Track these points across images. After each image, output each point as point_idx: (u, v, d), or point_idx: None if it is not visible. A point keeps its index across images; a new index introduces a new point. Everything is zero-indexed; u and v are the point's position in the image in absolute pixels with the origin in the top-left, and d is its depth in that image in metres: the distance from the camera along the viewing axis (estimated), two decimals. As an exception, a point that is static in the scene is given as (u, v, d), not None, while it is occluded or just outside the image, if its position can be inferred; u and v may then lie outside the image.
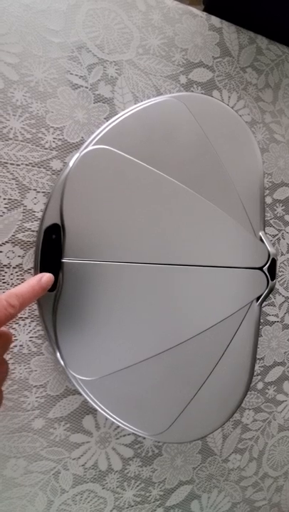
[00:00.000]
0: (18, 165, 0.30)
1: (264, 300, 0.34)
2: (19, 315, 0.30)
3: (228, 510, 0.40)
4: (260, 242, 0.34)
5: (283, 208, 0.42)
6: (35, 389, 0.31)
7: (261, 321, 0.41)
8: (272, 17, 0.41)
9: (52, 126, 0.31)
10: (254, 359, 0.35)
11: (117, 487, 0.35)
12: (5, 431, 0.30)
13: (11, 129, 0.30)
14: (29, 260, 0.31)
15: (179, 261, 0.30)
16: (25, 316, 0.30)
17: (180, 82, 0.37)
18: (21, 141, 0.30)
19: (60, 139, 0.32)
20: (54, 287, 0.29)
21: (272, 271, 0.33)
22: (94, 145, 0.29)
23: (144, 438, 0.35)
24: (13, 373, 0.30)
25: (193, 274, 0.31)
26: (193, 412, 0.32)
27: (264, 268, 0.33)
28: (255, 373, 0.40)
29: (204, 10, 0.42)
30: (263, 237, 0.34)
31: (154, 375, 0.30)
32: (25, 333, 0.30)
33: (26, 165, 0.31)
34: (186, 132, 0.31)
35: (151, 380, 0.30)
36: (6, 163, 0.30)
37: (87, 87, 0.33)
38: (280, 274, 0.42)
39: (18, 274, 0.30)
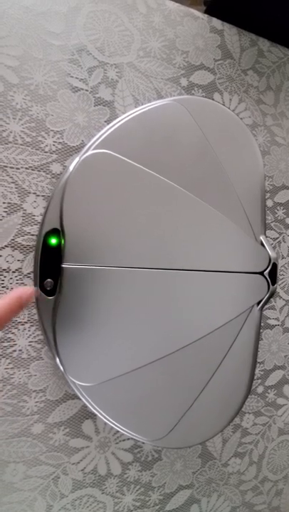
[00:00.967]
0: (17, 168, 0.30)
1: (265, 304, 0.34)
2: (18, 319, 0.30)
3: (228, 514, 0.40)
4: (261, 246, 0.33)
5: (284, 211, 0.42)
6: (35, 394, 0.31)
7: (262, 324, 0.40)
8: (274, 19, 0.41)
9: (52, 130, 0.31)
10: (254, 363, 0.34)
11: (116, 492, 0.35)
12: (4, 436, 0.30)
13: (11, 132, 0.30)
14: (29, 264, 0.30)
15: (180, 266, 0.30)
16: (25, 320, 0.30)
17: (181, 84, 0.36)
18: (21, 144, 0.30)
19: (60, 143, 0.32)
20: (53, 292, 0.29)
21: (273, 275, 0.33)
22: (94, 149, 0.29)
23: (144, 443, 0.35)
24: (13, 378, 0.30)
25: (194, 280, 0.31)
26: (194, 416, 0.32)
27: (265, 273, 0.33)
28: (255, 377, 0.40)
29: (206, 12, 0.42)
30: (263, 242, 0.34)
31: (154, 380, 0.30)
32: (24, 337, 0.30)
33: (26, 168, 0.30)
34: (187, 136, 0.31)
35: (151, 385, 0.30)
36: (6, 166, 0.30)
37: (87, 90, 0.33)
38: (280, 277, 0.42)
39: (17, 278, 0.30)
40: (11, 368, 0.30)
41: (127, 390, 0.29)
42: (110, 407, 0.29)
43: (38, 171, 0.31)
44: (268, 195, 0.41)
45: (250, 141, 0.34)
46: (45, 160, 0.31)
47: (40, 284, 0.29)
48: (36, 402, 0.31)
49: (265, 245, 0.33)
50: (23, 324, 0.30)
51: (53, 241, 0.29)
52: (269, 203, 0.41)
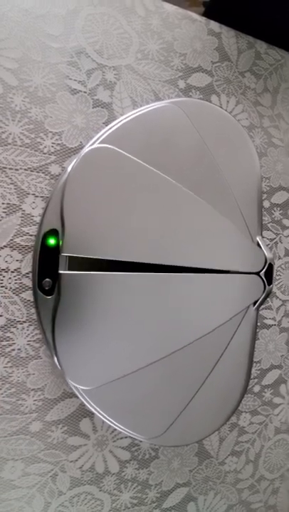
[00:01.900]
0: (16, 169, 0.31)
1: (261, 304, 0.34)
2: (17, 319, 0.30)
3: (225, 512, 0.41)
4: (257, 247, 0.34)
5: (281, 211, 0.42)
6: (33, 392, 0.31)
7: (258, 324, 0.41)
8: (272, 21, 0.42)
9: (51, 131, 0.32)
10: (251, 362, 0.35)
11: (114, 489, 0.35)
12: (3, 434, 0.30)
13: (10, 134, 0.30)
14: (27, 264, 0.31)
15: (178, 262, 0.31)
16: (23, 320, 0.31)
17: (179, 86, 0.37)
18: (20, 146, 0.31)
19: (58, 144, 0.32)
20: (52, 291, 0.30)
21: (269, 276, 0.33)
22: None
23: (141, 441, 0.35)
24: (11, 377, 0.30)
25: (190, 281, 0.31)
26: (190, 415, 0.32)
27: (261, 273, 0.33)
28: (251, 376, 0.41)
29: (204, 13, 0.42)
30: (260, 242, 0.34)
31: (151, 379, 0.31)
32: (23, 336, 0.31)
33: (25, 170, 0.31)
34: (184, 138, 0.31)
35: (148, 383, 0.30)
36: (5, 167, 0.30)
37: (85, 92, 0.33)
38: (277, 277, 0.42)
39: (16, 278, 0.30)
40: (10, 366, 0.30)
41: (124, 389, 0.30)
42: (108, 405, 0.29)
43: (37, 172, 0.31)
44: (265, 196, 0.41)
45: (246, 142, 0.35)
46: (44, 161, 0.31)
47: (38, 283, 0.29)
48: (34, 400, 0.31)
49: (262, 246, 0.34)
50: (21, 323, 0.31)
51: (52, 241, 0.29)
52: (266, 204, 0.41)
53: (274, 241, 0.42)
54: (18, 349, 0.31)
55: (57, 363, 0.28)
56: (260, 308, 0.36)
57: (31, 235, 0.31)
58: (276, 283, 0.42)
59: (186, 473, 0.38)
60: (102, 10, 0.34)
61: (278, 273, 0.42)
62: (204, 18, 0.39)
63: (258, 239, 0.34)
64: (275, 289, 0.42)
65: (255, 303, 0.34)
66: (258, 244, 0.34)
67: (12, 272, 0.30)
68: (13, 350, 0.30)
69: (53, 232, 0.29)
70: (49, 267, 0.29)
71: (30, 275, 0.31)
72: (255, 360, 0.41)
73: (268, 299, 0.41)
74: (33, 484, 0.32)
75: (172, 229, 0.31)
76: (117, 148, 0.29)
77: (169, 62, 0.37)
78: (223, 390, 0.34)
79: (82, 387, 0.28)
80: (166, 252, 0.30)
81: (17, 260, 0.30)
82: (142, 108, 0.31)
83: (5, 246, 0.30)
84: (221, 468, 0.40)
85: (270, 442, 0.43)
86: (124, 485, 0.35)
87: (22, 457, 0.31)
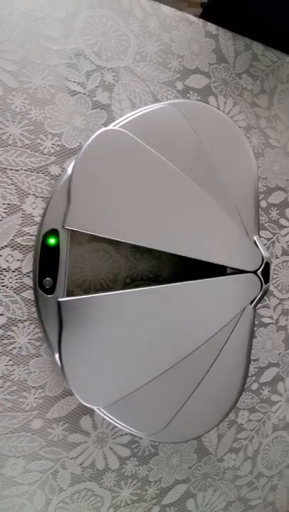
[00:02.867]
0: (17, 170, 0.31)
1: (258, 303, 0.35)
2: (18, 317, 0.31)
3: (223, 508, 0.41)
4: (254, 246, 0.34)
5: (278, 211, 0.43)
6: (34, 390, 0.32)
7: (256, 322, 0.41)
8: (269, 22, 0.42)
9: (50, 133, 0.32)
10: (248, 360, 0.35)
11: (114, 486, 0.35)
12: (4, 431, 0.31)
13: (10, 135, 0.31)
14: (28, 264, 0.31)
15: (176, 251, 0.31)
16: (24, 318, 0.31)
17: (176, 88, 0.37)
18: (20, 147, 0.31)
19: (58, 145, 0.32)
20: (52, 290, 0.30)
21: (266, 274, 0.34)
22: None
23: (141, 438, 0.36)
24: (13, 375, 0.31)
25: (187, 290, 0.32)
26: (189, 412, 0.32)
27: (258, 272, 0.34)
28: (249, 374, 0.41)
29: (201, 15, 0.43)
30: (257, 241, 0.34)
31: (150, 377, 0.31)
32: (24, 335, 0.31)
33: (25, 170, 0.31)
34: (182, 139, 0.32)
35: (148, 381, 0.31)
36: (6, 168, 0.30)
37: (85, 94, 0.34)
38: (274, 276, 0.43)
39: (17, 277, 0.31)
40: (11, 364, 0.31)
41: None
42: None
43: (37, 172, 0.32)
44: (262, 196, 0.42)
45: (243, 143, 0.35)
46: (44, 162, 0.32)
47: (39, 282, 0.30)
48: (35, 398, 0.32)
49: (258, 245, 0.34)
50: (22, 322, 0.31)
51: (52, 241, 0.30)
52: (263, 204, 0.42)
53: (271, 240, 0.42)
54: (19, 347, 0.31)
55: (69, 386, 0.29)
56: (258, 306, 0.37)
57: (32, 235, 0.31)
58: (273, 282, 0.43)
59: (185, 470, 0.39)
60: (101, 12, 0.34)
61: (275, 272, 0.43)
62: (201, 20, 0.39)
63: (255, 238, 0.34)
64: (272, 288, 0.43)
65: (252, 301, 0.34)
66: (255, 243, 0.34)
67: (13, 271, 0.31)
68: (14, 348, 0.31)
69: (53, 232, 0.30)
70: (49, 266, 0.30)
71: (31, 274, 0.31)
72: (252, 358, 0.41)
73: (266, 297, 0.42)
74: (34, 481, 0.32)
75: (174, 217, 0.31)
76: (130, 134, 0.29)
77: (167, 64, 0.37)
78: (221, 387, 0.34)
79: (92, 406, 0.29)
80: (167, 239, 0.31)
81: (18, 260, 0.31)
82: (140, 110, 0.31)
83: (6, 246, 0.31)
84: (220, 465, 0.40)
85: (268, 439, 0.43)
86: (124, 481, 0.36)
87: (23, 454, 0.31)
